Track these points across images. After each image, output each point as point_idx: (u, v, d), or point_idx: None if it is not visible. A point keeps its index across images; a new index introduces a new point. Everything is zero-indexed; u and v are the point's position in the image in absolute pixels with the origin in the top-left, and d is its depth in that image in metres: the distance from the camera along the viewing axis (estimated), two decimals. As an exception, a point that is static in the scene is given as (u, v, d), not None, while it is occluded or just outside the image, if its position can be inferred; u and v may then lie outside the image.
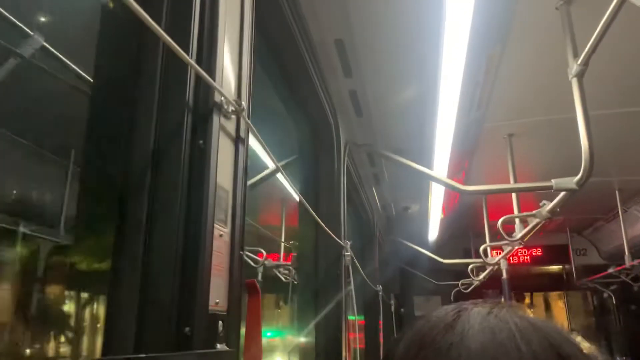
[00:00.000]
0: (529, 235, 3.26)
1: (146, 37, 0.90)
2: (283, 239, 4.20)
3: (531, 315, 0.61)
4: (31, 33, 1.66)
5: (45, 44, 1.63)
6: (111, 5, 0.91)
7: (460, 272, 5.78)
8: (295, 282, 3.16)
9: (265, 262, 3.06)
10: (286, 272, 3.43)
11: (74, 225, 0.85)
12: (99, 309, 0.81)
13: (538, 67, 2.64)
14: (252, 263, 2.83)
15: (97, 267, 0.83)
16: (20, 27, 1.60)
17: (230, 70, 1.06)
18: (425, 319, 0.64)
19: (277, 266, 3.47)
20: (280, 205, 4.55)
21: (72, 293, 0.89)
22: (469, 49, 2.24)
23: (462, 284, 5.71)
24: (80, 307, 0.87)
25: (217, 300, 0.89)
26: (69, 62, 1.65)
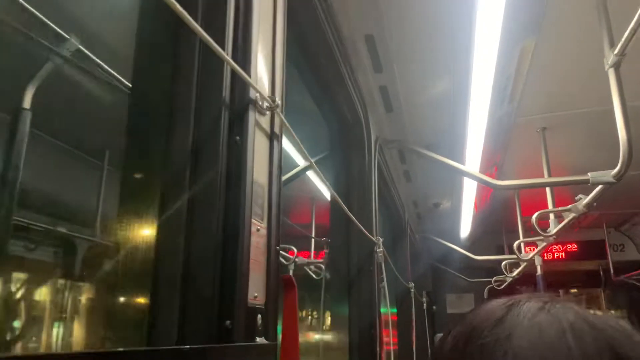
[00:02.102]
0: (564, 231, 3.19)
1: (183, 35, 0.92)
2: (314, 236, 4.22)
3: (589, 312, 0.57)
4: (67, 36, 1.71)
5: (81, 47, 1.67)
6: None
7: (493, 269, 5.69)
8: (326, 280, 3.16)
9: (297, 259, 3.07)
10: (317, 270, 3.44)
11: (117, 220, 0.87)
12: (140, 303, 0.83)
13: (573, 58, 2.59)
14: (283, 261, 2.84)
15: (139, 263, 0.85)
16: (57, 30, 1.64)
17: (264, 67, 1.07)
18: (477, 311, 0.61)
19: (308, 264, 3.47)
20: (310, 203, 4.57)
21: (115, 288, 0.91)
22: (502, 41, 2.20)
23: (496, 281, 5.62)
24: (121, 302, 0.90)
25: (256, 294, 0.90)
26: (102, 63, 1.68)
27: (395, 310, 4.79)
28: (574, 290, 8.22)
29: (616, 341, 0.52)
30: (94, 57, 1.69)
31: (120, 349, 0.53)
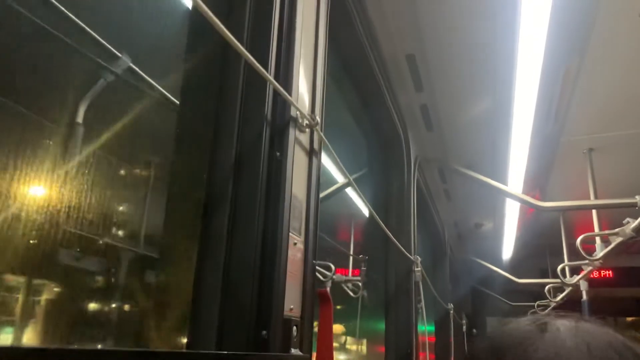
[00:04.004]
0: (611, 256, 3.09)
1: (229, 56, 0.96)
2: (351, 253, 4.20)
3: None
4: (120, 55, 1.80)
5: (132, 65, 1.76)
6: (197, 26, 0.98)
7: (536, 293, 5.52)
8: (363, 298, 3.15)
9: (334, 276, 3.07)
10: (354, 287, 3.43)
11: (162, 231, 0.92)
12: (182, 310, 0.87)
13: (620, 78, 2.53)
14: (321, 277, 2.85)
15: (182, 272, 0.88)
16: (110, 49, 1.73)
17: (305, 86, 1.10)
18: (503, 332, 0.61)
19: (346, 281, 3.46)
20: (348, 220, 4.56)
21: (158, 295, 0.95)
22: (545, 62, 2.18)
23: (539, 306, 5.45)
24: (163, 308, 0.93)
25: (292, 306, 0.92)
26: (152, 81, 1.76)
27: (433, 332, 4.71)
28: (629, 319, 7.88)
29: None
30: (144, 75, 1.77)
31: (164, 350, 0.56)
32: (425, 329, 2.64)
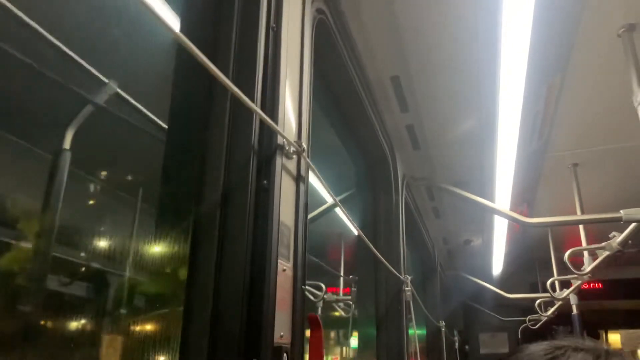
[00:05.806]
0: (601, 269, 3.11)
1: (215, 86, 0.98)
2: (342, 273, 4.20)
3: None
4: (106, 80, 1.81)
5: (119, 90, 1.78)
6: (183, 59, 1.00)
7: (527, 308, 5.53)
8: (354, 318, 3.14)
9: (325, 296, 3.06)
10: (346, 307, 3.42)
11: (150, 259, 0.92)
12: (171, 340, 0.87)
13: (601, 95, 2.58)
14: (312, 297, 2.85)
15: (170, 301, 0.88)
16: (97, 75, 1.75)
17: (291, 114, 1.12)
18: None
19: (337, 300, 3.46)
20: (339, 239, 4.57)
21: (145, 324, 0.95)
22: (528, 79, 2.22)
23: (530, 320, 5.46)
24: (151, 338, 0.93)
25: (282, 333, 0.93)
26: (142, 109, 1.77)
27: (425, 351, 4.69)
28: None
29: None
30: (133, 101, 1.79)
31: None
32: (417, 347, 2.63)
